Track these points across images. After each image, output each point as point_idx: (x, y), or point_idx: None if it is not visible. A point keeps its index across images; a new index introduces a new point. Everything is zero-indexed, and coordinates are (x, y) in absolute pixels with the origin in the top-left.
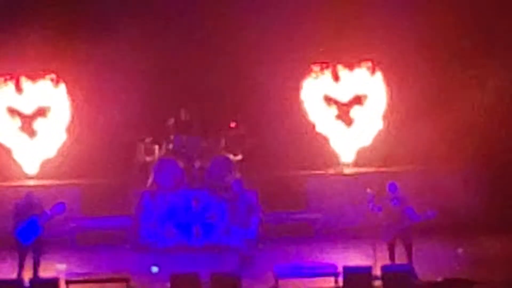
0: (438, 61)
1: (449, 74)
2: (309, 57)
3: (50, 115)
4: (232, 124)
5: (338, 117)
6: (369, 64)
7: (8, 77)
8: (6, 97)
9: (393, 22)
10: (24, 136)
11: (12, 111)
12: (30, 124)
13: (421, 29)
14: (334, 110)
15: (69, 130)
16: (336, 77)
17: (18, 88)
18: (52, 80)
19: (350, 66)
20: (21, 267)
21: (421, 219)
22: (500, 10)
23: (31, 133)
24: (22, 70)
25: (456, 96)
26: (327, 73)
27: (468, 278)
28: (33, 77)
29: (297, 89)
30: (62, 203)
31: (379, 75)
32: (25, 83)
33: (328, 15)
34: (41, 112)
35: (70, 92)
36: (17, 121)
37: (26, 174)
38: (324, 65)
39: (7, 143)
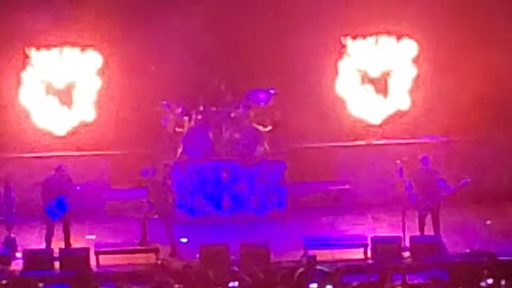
0: (467, 32)
1: (479, 43)
2: (342, 29)
3: (81, 84)
4: (262, 95)
5: (368, 87)
6: (399, 35)
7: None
8: (38, 65)
9: None
10: (55, 105)
11: (44, 80)
12: (61, 93)
13: (452, 6)
14: (363, 81)
15: (99, 100)
16: (366, 48)
17: (51, 57)
18: (83, 49)
19: (379, 37)
20: (49, 238)
21: (455, 191)
22: None
23: (63, 101)
24: (51, 38)
25: (485, 66)
26: (358, 44)
27: (495, 250)
28: (63, 46)
29: (328, 60)
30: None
31: (408, 46)
32: (57, 52)
33: None
34: (73, 80)
35: (101, 63)
36: (49, 90)
37: (57, 144)
38: (355, 36)
39: (38, 113)
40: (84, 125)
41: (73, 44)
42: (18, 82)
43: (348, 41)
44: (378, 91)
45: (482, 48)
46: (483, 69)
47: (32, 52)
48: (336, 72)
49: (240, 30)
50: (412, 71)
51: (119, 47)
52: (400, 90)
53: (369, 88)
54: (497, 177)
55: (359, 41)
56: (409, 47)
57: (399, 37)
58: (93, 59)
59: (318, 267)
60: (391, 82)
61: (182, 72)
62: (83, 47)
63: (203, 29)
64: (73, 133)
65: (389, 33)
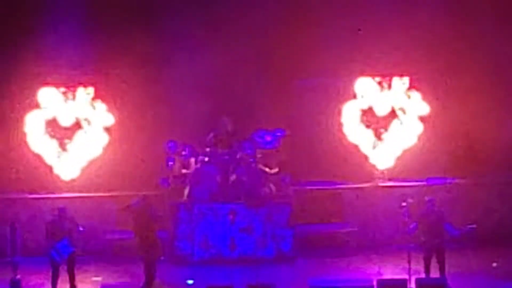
0: (472, 76)
1: (485, 87)
2: (350, 71)
3: (87, 127)
4: (268, 137)
5: (375, 130)
6: (407, 78)
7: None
8: (46, 106)
9: (433, 38)
10: (61, 148)
11: (51, 120)
12: (67, 136)
13: (459, 48)
14: (371, 122)
15: (105, 142)
16: (373, 89)
17: (59, 97)
18: (89, 92)
19: (388, 80)
20: (55, 280)
21: (460, 234)
22: None
23: (69, 142)
24: (59, 79)
25: (492, 108)
26: (365, 86)
27: None
28: (70, 89)
29: (335, 102)
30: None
31: (415, 89)
32: (62, 95)
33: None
34: (78, 123)
35: (107, 104)
36: (55, 133)
37: (62, 186)
38: (363, 77)
39: (44, 155)
40: (90, 166)
41: (82, 85)
42: (26, 123)
43: (356, 83)
44: (385, 132)
45: (488, 90)
46: (489, 112)
47: (41, 93)
48: (343, 114)
49: (247, 71)
50: (419, 112)
51: (127, 89)
52: (407, 131)
53: (376, 129)
54: (502, 219)
55: (366, 82)
56: (416, 88)
57: (406, 78)
58: (101, 100)
59: None
60: (399, 124)
61: (189, 113)
62: (91, 88)
63: (211, 70)
64: (79, 174)
65: (396, 74)
